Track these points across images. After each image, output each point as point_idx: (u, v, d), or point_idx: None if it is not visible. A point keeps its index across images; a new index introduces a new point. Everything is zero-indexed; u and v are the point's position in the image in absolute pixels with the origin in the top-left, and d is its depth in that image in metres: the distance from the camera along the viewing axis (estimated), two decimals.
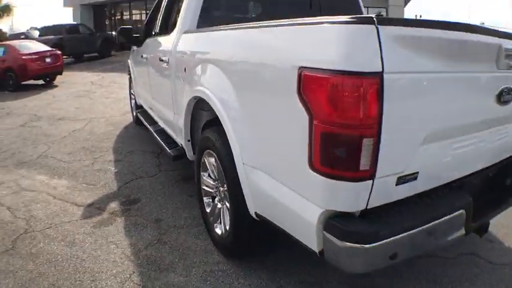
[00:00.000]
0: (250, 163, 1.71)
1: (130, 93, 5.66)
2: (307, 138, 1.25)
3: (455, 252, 2.25)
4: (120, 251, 2.30)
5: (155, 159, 4.00)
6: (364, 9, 3.42)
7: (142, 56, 3.99)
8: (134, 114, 5.38)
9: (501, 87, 1.57)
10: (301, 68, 1.26)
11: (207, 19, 2.69)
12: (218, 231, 2.23)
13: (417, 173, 1.33)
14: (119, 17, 25.35)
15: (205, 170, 2.34)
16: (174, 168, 3.68)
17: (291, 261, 2.14)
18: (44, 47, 10.94)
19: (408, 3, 22.61)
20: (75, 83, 10.55)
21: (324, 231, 1.26)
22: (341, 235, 1.22)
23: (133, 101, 5.47)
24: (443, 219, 1.36)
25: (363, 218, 1.27)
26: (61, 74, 10.86)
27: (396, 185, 1.28)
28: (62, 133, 5.19)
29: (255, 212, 1.74)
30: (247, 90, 1.74)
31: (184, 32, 2.69)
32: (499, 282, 2.02)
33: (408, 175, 1.30)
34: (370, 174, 1.20)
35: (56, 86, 10.17)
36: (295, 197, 1.40)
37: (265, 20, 1.91)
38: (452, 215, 1.40)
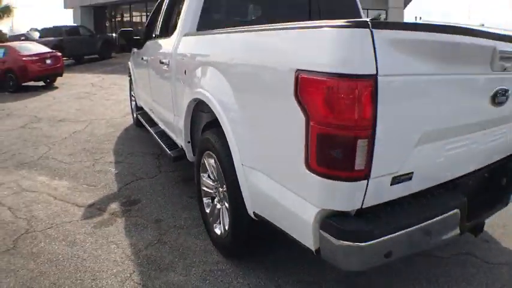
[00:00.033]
0: (249, 164, 1.74)
1: (131, 95, 5.69)
2: (304, 139, 1.28)
3: (452, 252, 2.28)
4: (121, 250, 2.33)
5: (155, 161, 4.03)
6: (362, 12, 3.46)
7: (142, 58, 4.02)
8: (135, 116, 5.41)
9: (495, 89, 1.60)
10: (298, 70, 1.29)
11: (207, 22, 2.72)
12: (217, 231, 2.26)
13: (412, 173, 1.36)
14: (119, 19, 25.42)
15: (205, 171, 2.37)
16: (174, 169, 3.71)
17: (290, 261, 2.17)
18: (45, 49, 10.98)
19: (408, 5, 22.71)
20: (75, 84, 10.59)
21: (321, 230, 1.30)
22: (337, 234, 1.25)
23: (133, 103, 5.50)
24: (437, 218, 1.39)
25: (359, 217, 1.30)
26: (61, 76, 10.89)
27: (391, 185, 1.31)
28: (63, 134, 5.22)
29: (254, 212, 1.77)
30: (246, 92, 1.77)
31: (185, 35, 2.72)
32: (495, 281, 2.04)
33: (403, 175, 1.33)
34: (365, 174, 1.23)
35: (56, 88, 10.21)
36: (292, 197, 1.43)
37: (265, 23, 1.95)
38: (446, 215, 1.43)
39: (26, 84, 10.13)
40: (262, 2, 3.24)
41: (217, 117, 1.95)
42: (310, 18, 3.14)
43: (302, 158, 1.30)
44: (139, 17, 24.12)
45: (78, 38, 16.51)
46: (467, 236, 1.95)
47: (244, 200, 1.81)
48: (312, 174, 1.28)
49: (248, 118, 1.73)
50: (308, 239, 1.37)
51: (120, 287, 2.00)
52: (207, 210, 2.40)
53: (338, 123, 1.18)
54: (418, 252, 2.17)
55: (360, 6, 3.42)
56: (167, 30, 3.32)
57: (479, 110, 1.60)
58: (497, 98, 1.61)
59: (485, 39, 1.51)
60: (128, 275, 2.09)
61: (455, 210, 1.46)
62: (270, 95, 1.54)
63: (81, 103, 7.67)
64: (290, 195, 1.45)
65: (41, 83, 10.59)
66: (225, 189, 2.07)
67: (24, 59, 9.90)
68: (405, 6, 21.05)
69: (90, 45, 16.97)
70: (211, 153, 2.16)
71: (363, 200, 1.27)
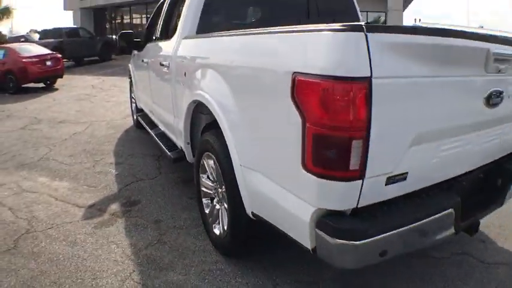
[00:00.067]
0: (247, 165, 1.77)
1: (131, 97, 5.72)
2: (300, 140, 1.31)
3: (448, 252, 2.30)
4: (121, 250, 2.36)
5: (155, 162, 4.05)
6: (360, 14, 3.49)
7: (143, 61, 4.06)
8: (135, 117, 5.44)
9: (490, 90, 1.62)
10: (295, 73, 1.32)
11: (207, 25, 2.75)
12: (217, 231, 2.28)
13: (406, 173, 1.39)
14: (119, 21, 25.47)
15: (205, 172, 2.40)
16: (174, 170, 3.74)
17: (288, 260, 2.20)
18: (45, 50, 11.00)
19: (407, 7, 22.77)
20: (75, 86, 10.62)
21: (317, 229, 1.32)
22: (333, 232, 1.28)
23: (134, 105, 5.53)
24: (431, 218, 1.41)
25: (354, 216, 1.33)
26: (61, 77, 10.92)
27: (386, 184, 1.34)
28: (63, 136, 5.25)
29: (252, 212, 1.80)
30: (245, 94, 1.80)
31: (185, 38, 2.76)
32: (491, 281, 2.07)
33: (397, 175, 1.36)
34: (360, 174, 1.26)
35: (57, 89, 10.24)
36: (289, 197, 1.46)
37: (264, 25, 1.99)
38: (440, 214, 1.45)
39: (26, 85, 10.15)
40: (261, 5, 3.28)
41: (216, 118, 1.98)
42: (308, 20, 3.18)
43: (299, 158, 1.33)
44: (139, 19, 24.18)
45: (78, 39, 16.53)
46: (463, 236, 1.98)
47: (243, 200, 1.84)
48: (308, 174, 1.31)
49: (246, 120, 1.76)
50: (305, 238, 1.40)
51: (120, 286, 2.02)
52: (207, 211, 2.43)
53: (333, 125, 1.22)
54: (414, 252, 2.21)
55: (358, 8, 3.46)
56: (167, 33, 3.35)
57: (473, 111, 1.63)
58: (492, 100, 1.64)
59: (479, 41, 1.54)
60: (128, 274, 2.12)
61: (449, 210, 1.49)
62: (268, 97, 1.57)
63: (82, 105, 7.69)
64: (287, 195, 1.48)
65: (41, 85, 10.61)
66: (224, 189, 2.10)
67: (24, 60, 9.92)
68: (404, 8, 21.12)
69: (90, 47, 16.99)
70: (210, 154, 2.19)
71: (358, 200, 1.30)
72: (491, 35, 1.68)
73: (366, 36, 1.17)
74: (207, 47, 2.40)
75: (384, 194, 1.37)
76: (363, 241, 1.25)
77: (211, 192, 2.37)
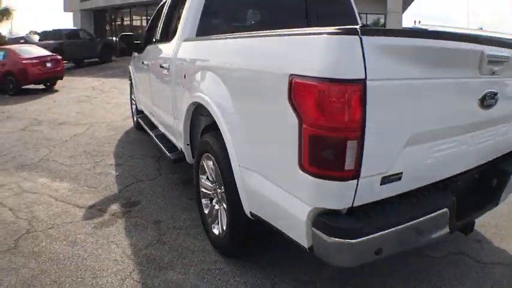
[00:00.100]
0: (245, 165, 1.80)
1: (131, 99, 5.75)
2: (297, 140, 1.34)
3: (444, 251, 2.33)
4: (121, 250, 2.38)
5: (155, 163, 4.08)
6: (358, 17, 3.52)
7: (143, 63, 4.09)
8: (135, 119, 5.47)
9: (484, 92, 1.66)
10: (292, 75, 1.36)
11: (206, 27, 2.79)
12: (216, 231, 2.31)
13: (401, 173, 1.41)
14: (119, 23, 25.51)
15: (204, 172, 2.42)
16: (174, 171, 3.76)
17: (286, 260, 2.22)
18: (45, 52, 11.01)
19: (407, 9, 22.83)
20: (75, 88, 10.65)
21: (313, 228, 1.35)
22: (329, 231, 1.30)
23: (134, 106, 5.56)
24: (426, 217, 1.44)
25: (350, 215, 1.36)
26: (61, 79, 10.94)
27: (381, 184, 1.37)
28: (63, 137, 5.27)
29: (250, 212, 1.83)
30: (243, 96, 1.83)
31: (184, 40, 2.79)
32: (487, 280, 2.09)
33: (392, 175, 1.39)
34: (355, 174, 1.29)
35: (57, 91, 10.26)
36: (286, 196, 1.49)
37: (263, 28, 2.02)
38: (435, 214, 1.48)
39: (26, 87, 10.16)
40: (260, 8, 3.31)
41: (216, 120, 2.01)
42: (307, 23, 3.21)
43: (295, 159, 1.36)
44: (139, 20, 24.22)
45: (78, 41, 16.53)
46: (459, 236, 2.01)
47: (241, 200, 1.86)
48: (305, 174, 1.34)
49: (245, 121, 1.79)
50: (301, 236, 1.42)
51: (120, 285, 2.05)
52: (206, 211, 2.46)
53: (329, 126, 1.25)
54: (411, 251, 2.25)
55: (356, 11, 3.49)
56: (167, 35, 3.39)
57: (468, 112, 1.66)
58: (486, 101, 1.67)
59: (473, 43, 1.57)
60: (128, 273, 2.15)
61: (444, 210, 1.51)
62: (266, 98, 1.60)
63: (82, 106, 7.72)
64: (284, 194, 1.51)
65: (41, 86, 10.62)
66: (223, 190, 2.13)
67: (24, 62, 9.93)
68: (404, 10, 21.19)
69: (91, 48, 17.01)
70: (209, 155, 2.22)
71: (354, 199, 1.33)
72: (485, 37, 1.71)
73: (361, 39, 1.20)
74: (206, 50, 2.44)
75: (379, 194, 1.40)
76: (358, 239, 1.28)
77: (210, 192, 2.39)
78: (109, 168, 3.97)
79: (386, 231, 1.32)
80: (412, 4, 26.90)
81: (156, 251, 2.37)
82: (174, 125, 3.04)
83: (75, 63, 16.83)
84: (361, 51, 1.20)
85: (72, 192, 3.35)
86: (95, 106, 7.73)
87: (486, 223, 2.66)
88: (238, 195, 1.88)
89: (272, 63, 1.55)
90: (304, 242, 1.42)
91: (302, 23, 3.17)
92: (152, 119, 4.15)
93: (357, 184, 1.30)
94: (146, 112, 4.52)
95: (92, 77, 12.99)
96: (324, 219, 1.33)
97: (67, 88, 10.58)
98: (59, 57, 10.98)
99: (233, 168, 1.88)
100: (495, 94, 1.71)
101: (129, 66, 5.46)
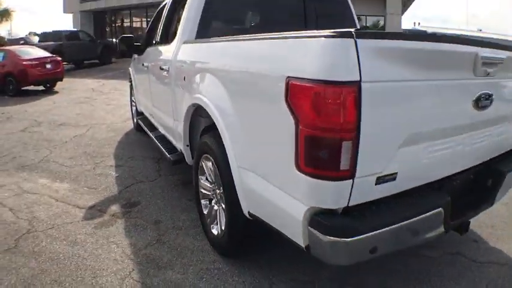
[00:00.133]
0: (243, 166, 1.83)
1: (131, 100, 5.78)
2: (293, 141, 1.37)
3: (441, 251, 2.36)
4: (121, 250, 2.41)
5: (155, 165, 4.10)
6: (357, 19, 3.56)
7: (143, 64, 4.12)
8: (135, 120, 5.50)
9: (478, 93, 1.68)
10: (289, 77, 1.39)
11: (206, 30, 2.81)
12: (214, 231, 2.34)
13: (396, 173, 1.44)
14: (119, 24, 25.57)
15: (203, 173, 2.45)
16: (174, 173, 3.79)
17: (284, 260, 2.25)
18: (45, 53, 11.04)
19: (406, 11, 22.92)
20: (75, 89, 10.67)
21: (309, 227, 1.38)
22: (324, 230, 1.33)
23: (134, 108, 5.59)
24: (421, 216, 1.47)
25: (345, 214, 1.39)
26: (61, 80, 10.95)
27: (376, 184, 1.40)
28: (63, 138, 5.29)
29: (248, 212, 1.85)
30: (241, 97, 1.86)
31: (184, 42, 2.82)
32: (482, 279, 2.11)
33: (387, 175, 1.42)
34: (350, 174, 1.31)
35: (57, 92, 10.28)
36: (283, 196, 1.52)
37: (262, 31, 2.05)
38: (430, 213, 1.50)
39: (25, 88, 10.18)
40: (259, 11, 3.34)
41: (215, 121, 2.03)
42: (306, 25, 3.24)
43: (292, 159, 1.39)
44: (139, 22, 24.29)
45: (78, 42, 16.54)
46: (456, 236, 2.03)
47: (240, 200, 1.89)
48: (301, 174, 1.37)
49: (243, 122, 1.82)
50: (298, 236, 1.45)
51: (120, 284, 2.07)
52: (205, 212, 2.48)
53: (324, 126, 1.27)
54: (408, 251, 2.27)
55: (354, 13, 3.52)
56: (167, 38, 3.42)
57: (462, 113, 1.69)
58: (481, 102, 1.70)
59: (466, 46, 1.60)
60: (128, 273, 2.17)
61: (438, 209, 1.54)
62: (264, 100, 1.63)
63: (82, 108, 7.74)
64: (282, 194, 1.53)
65: (41, 88, 10.64)
66: (221, 190, 2.15)
67: (24, 63, 9.94)
68: (403, 12, 21.29)
69: (90, 50, 17.03)
70: (209, 156, 2.25)
71: (349, 199, 1.35)
72: (479, 40, 1.74)
73: (356, 42, 1.23)
74: (205, 52, 2.47)
75: (374, 194, 1.43)
76: (353, 238, 1.30)
77: (209, 193, 2.42)
78: (109, 169, 4.00)
79: (381, 230, 1.35)
80: (411, 6, 27.00)
81: (155, 251, 2.39)
82: (173, 127, 3.06)
83: (75, 65, 16.85)
84: (355, 53, 1.23)
85: (72, 192, 3.37)
86: (95, 107, 7.75)
87: (482, 223, 2.68)
88: (237, 195, 1.90)
89: (269, 66, 1.58)
90: (301, 241, 1.45)
91: (300, 25, 3.20)
92: (152, 120, 4.18)
93: (352, 184, 1.33)
94: (146, 114, 4.55)
95: (92, 78, 13.01)
96: (319, 219, 1.35)
97: (67, 89, 10.60)
98: (59, 58, 11.00)
99: (231, 169, 1.91)
100: (490, 95, 1.73)
101: (129, 68, 5.49)
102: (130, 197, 3.26)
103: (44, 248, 2.43)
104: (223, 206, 2.16)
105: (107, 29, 25.90)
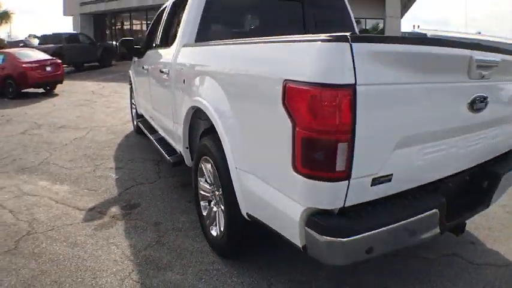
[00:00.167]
0: (242, 167, 1.85)
1: (131, 103, 5.81)
2: (291, 143, 1.40)
3: (438, 253, 2.37)
4: (120, 251, 2.42)
5: (155, 167, 4.13)
6: (355, 23, 3.59)
7: (143, 67, 4.15)
8: (135, 123, 5.53)
9: (473, 96, 1.70)
10: (286, 80, 1.41)
11: (205, 33, 2.85)
12: (214, 233, 2.36)
13: (391, 175, 1.46)
14: (119, 27, 25.63)
15: (202, 175, 2.47)
16: (173, 175, 3.81)
17: (282, 261, 2.27)
18: (44, 56, 11.07)
19: (406, 14, 23.00)
20: (75, 92, 10.70)
21: (306, 227, 1.40)
22: (321, 230, 1.35)
23: (134, 111, 5.62)
24: (416, 217, 1.49)
25: (342, 215, 1.41)
26: (61, 83, 10.97)
27: (371, 185, 1.42)
28: (63, 141, 5.31)
29: (247, 213, 1.88)
30: (240, 100, 1.89)
31: (184, 45, 2.85)
32: (479, 281, 2.13)
33: (383, 177, 1.44)
34: (346, 175, 1.34)
35: (57, 95, 10.30)
36: (281, 197, 1.55)
37: (261, 34, 2.08)
38: (425, 214, 1.53)
39: (25, 90, 10.20)
40: (258, 15, 3.38)
41: (214, 124, 2.06)
42: (304, 29, 3.28)
43: (289, 160, 1.42)
44: (139, 25, 24.34)
45: (78, 45, 16.56)
46: (453, 238, 2.06)
47: (238, 201, 1.91)
48: (298, 175, 1.39)
49: (242, 124, 1.85)
50: (295, 236, 1.47)
51: (120, 285, 2.09)
52: (204, 213, 2.50)
53: (320, 129, 1.30)
54: (406, 252, 2.30)
55: (352, 17, 3.55)
56: (167, 41, 3.45)
57: (457, 116, 1.71)
58: (476, 105, 1.72)
59: (461, 49, 1.63)
60: (127, 273, 2.19)
61: (433, 210, 1.56)
62: (261, 103, 1.66)
63: (82, 110, 7.76)
64: (279, 195, 1.56)
65: (41, 90, 10.67)
66: (220, 192, 2.17)
67: (24, 65, 9.96)
68: (402, 15, 21.38)
69: (90, 52, 17.05)
70: (208, 158, 2.27)
71: (345, 199, 1.38)
72: (472, 43, 1.77)
73: (351, 46, 1.26)
74: (205, 55, 2.50)
75: (369, 195, 1.45)
76: (349, 238, 1.33)
77: (208, 195, 2.44)
78: (109, 171, 4.02)
79: (376, 230, 1.37)
80: (411, 9, 27.11)
81: (155, 252, 2.41)
82: (173, 129, 3.09)
83: (75, 67, 16.86)
84: (351, 57, 1.26)
85: (72, 194, 3.39)
86: (95, 110, 7.78)
87: (479, 225, 2.71)
88: (235, 196, 1.93)
89: (267, 69, 1.61)
90: (298, 242, 1.47)
91: (299, 28, 3.23)
92: (152, 123, 4.20)
93: (348, 185, 1.35)
94: (146, 116, 4.57)
95: (92, 81, 13.04)
96: (316, 219, 1.38)
97: (67, 92, 10.62)
98: (59, 61, 11.02)
99: (230, 171, 1.93)
100: (485, 98, 1.76)
101: (129, 71, 5.52)
102: (130, 198, 3.28)
103: (44, 250, 2.45)
104: (222, 207, 2.18)
105: (107, 32, 25.95)
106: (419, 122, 1.52)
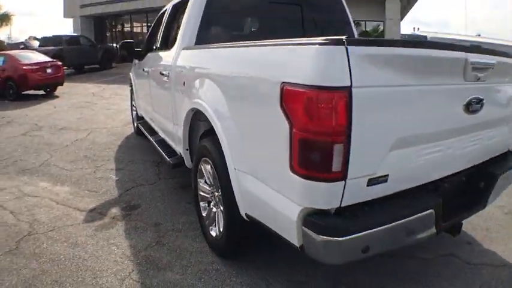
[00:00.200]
0: (241, 168, 1.88)
1: (132, 105, 5.84)
2: (288, 144, 1.42)
3: (436, 253, 2.39)
4: (121, 251, 2.45)
5: (155, 168, 4.15)
6: (353, 25, 3.62)
7: (143, 70, 4.18)
8: (135, 125, 5.55)
9: (469, 98, 1.73)
10: (283, 83, 1.44)
11: (205, 36, 2.87)
12: (213, 233, 2.38)
13: (387, 175, 1.49)
14: (119, 29, 25.69)
15: (202, 176, 2.50)
16: (173, 176, 3.83)
17: (281, 261, 2.29)
18: (45, 58, 11.07)
19: (406, 16, 23.05)
20: (76, 94, 10.73)
21: (303, 227, 1.43)
22: (318, 230, 1.38)
23: (134, 113, 5.64)
24: (412, 217, 1.51)
25: (338, 215, 1.43)
26: (62, 85, 10.99)
27: (367, 185, 1.45)
28: (64, 142, 5.33)
29: (245, 213, 1.90)
30: (239, 102, 1.92)
31: (184, 48, 2.88)
32: (476, 281, 2.15)
33: (379, 177, 1.46)
34: (342, 176, 1.36)
35: (57, 97, 10.32)
36: (278, 197, 1.57)
37: (260, 37, 2.11)
38: (421, 214, 1.55)
39: (26, 92, 10.22)
40: (257, 18, 3.41)
41: (213, 125, 2.09)
42: (303, 32, 3.31)
43: (287, 161, 1.44)
44: (139, 27, 24.41)
45: (78, 47, 16.57)
46: (450, 238, 2.07)
47: (237, 202, 1.94)
48: (295, 176, 1.42)
49: (240, 126, 1.87)
50: (293, 236, 1.50)
51: (120, 284, 2.11)
52: (204, 214, 2.53)
53: (317, 130, 1.33)
54: (403, 252, 2.32)
55: (351, 19, 3.58)
56: (167, 43, 3.48)
57: (453, 118, 1.73)
58: (471, 107, 1.75)
59: (456, 51, 1.66)
60: (127, 273, 2.21)
61: (429, 211, 1.58)
62: (260, 105, 1.69)
63: (82, 112, 7.79)
64: (277, 195, 1.58)
65: (41, 92, 10.68)
66: (220, 193, 2.20)
67: (24, 67, 9.97)
68: (402, 17, 21.43)
69: (91, 55, 17.07)
70: (207, 159, 2.29)
71: (341, 200, 1.40)
72: (467, 46, 1.79)
73: (347, 49, 1.29)
74: (204, 58, 2.53)
75: (366, 195, 1.47)
76: (345, 237, 1.35)
77: (208, 196, 2.47)
78: (109, 172, 4.04)
79: (372, 230, 1.39)
80: (411, 11, 27.16)
81: (155, 252, 2.43)
82: (173, 131, 3.12)
83: (76, 70, 16.87)
84: (346, 60, 1.29)
85: (73, 196, 3.41)
86: (96, 112, 7.80)
87: (477, 226, 2.73)
88: (234, 197, 1.95)
89: (265, 72, 1.64)
90: (295, 241, 1.49)
91: (298, 32, 3.26)
92: (152, 124, 4.23)
93: (344, 185, 1.38)
94: (146, 118, 4.60)
95: (93, 83, 13.07)
96: (313, 219, 1.40)
97: (67, 94, 10.65)
98: (59, 63, 11.04)
99: (229, 171, 1.96)
100: (480, 100, 1.78)
101: (130, 73, 5.55)
102: (131, 200, 3.31)
103: (45, 250, 2.47)
104: (222, 208, 2.20)
105: (107, 34, 25.99)
106: (415, 124, 1.55)
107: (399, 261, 2.30)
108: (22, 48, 15.88)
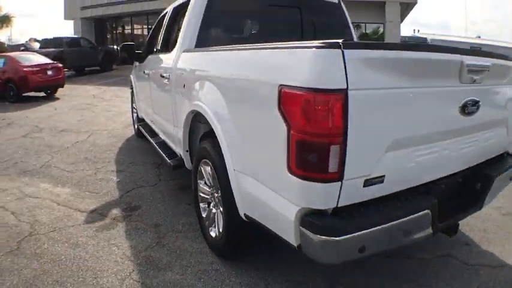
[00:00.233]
0: (240, 169, 1.90)
1: (133, 107, 5.87)
2: (286, 145, 1.45)
3: (434, 253, 2.41)
4: (121, 252, 2.47)
5: (155, 170, 4.17)
6: (352, 27, 3.65)
7: (144, 72, 4.21)
8: (136, 127, 5.57)
9: (465, 100, 1.75)
10: (281, 85, 1.47)
11: (205, 39, 2.90)
12: (213, 234, 2.40)
13: (383, 176, 1.51)
14: (120, 31, 25.76)
15: (202, 178, 2.52)
16: (174, 178, 3.85)
17: (280, 261, 2.31)
18: (46, 60, 11.09)
19: (406, 18, 23.12)
20: (76, 95, 10.75)
21: (301, 227, 1.45)
22: (315, 230, 1.40)
23: (135, 115, 5.67)
24: (408, 218, 1.54)
25: (335, 215, 1.46)
26: (62, 87, 10.99)
27: (364, 186, 1.47)
28: (65, 144, 5.36)
29: (245, 214, 1.92)
30: (238, 105, 1.95)
31: (184, 51, 2.91)
32: (473, 281, 2.17)
33: (375, 178, 1.49)
34: (339, 176, 1.39)
35: (58, 99, 10.34)
36: (277, 198, 1.60)
37: (260, 40, 2.14)
38: (417, 215, 1.57)
39: (26, 94, 10.24)
40: (257, 21, 3.44)
41: (213, 127, 2.11)
42: (302, 34, 3.34)
43: (284, 162, 1.47)
44: (140, 29, 24.47)
45: (79, 49, 16.56)
46: (448, 239, 2.09)
47: (236, 202, 1.96)
48: (293, 176, 1.44)
49: (239, 128, 1.90)
50: (290, 235, 1.52)
51: (120, 284, 2.13)
52: (204, 215, 2.55)
53: (314, 132, 1.36)
54: (401, 253, 2.34)
55: (350, 22, 3.61)
56: (168, 46, 3.51)
57: (449, 119, 1.76)
58: (467, 109, 1.77)
59: (451, 54, 1.68)
60: (128, 273, 2.23)
61: (425, 211, 1.60)
62: (258, 107, 1.72)
63: (83, 114, 7.81)
64: (275, 196, 1.61)
65: (42, 94, 10.71)
66: (219, 194, 2.22)
67: (25, 69, 9.99)
68: (402, 19, 21.50)
69: (91, 57, 17.09)
70: (207, 161, 2.32)
71: (338, 200, 1.43)
72: (463, 48, 1.82)
73: (343, 52, 1.32)
74: (204, 60, 2.56)
75: (362, 195, 1.50)
76: (342, 237, 1.37)
77: (208, 197, 2.49)
78: (110, 174, 4.07)
79: (368, 230, 1.42)
80: (411, 13, 27.22)
81: (155, 253, 2.45)
82: (174, 133, 3.14)
83: (76, 72, 16.89)
84: (343, 63, 1.31)
85: (74, 197, 3.43)
86: (96, 114, 7.83)
87: (474, 227, 2.75)
88: (234, 198, 1.97)
89: (264, 74, 1.66)
90: (293, 241, 1.52)
91: (297, 35, 3.29)
92: (153, 126, 4.26)
93: (341, 186, 1.40)
94: (147, 120, 4.63)
95: (93, 85, 13.10)
96: (310, 219, 1.43)
97: (68, 96, 10.68)
98: (60, 65, 11.05)
99: (228, 173, 1.98)
100: (476, 102, 1.81)
101: (131, 75, 5.59)
102: (131, 201, 3.33)
103: (46, 250, 2.49)
104: (221, 209, 2.23)
105: (108, 36, 26.06)
106: (411, 125, 1.57)
107: (397, 262, 2.32)
108: (22, 50, 15.92)
